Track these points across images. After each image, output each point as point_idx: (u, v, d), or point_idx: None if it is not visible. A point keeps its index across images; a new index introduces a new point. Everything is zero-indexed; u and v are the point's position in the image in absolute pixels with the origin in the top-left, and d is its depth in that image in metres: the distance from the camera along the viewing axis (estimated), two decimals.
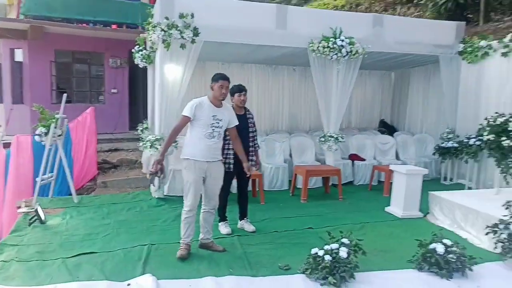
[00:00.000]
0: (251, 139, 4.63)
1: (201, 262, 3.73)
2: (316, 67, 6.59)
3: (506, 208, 3.87)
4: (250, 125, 4.64)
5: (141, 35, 7.04)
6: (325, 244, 3.53)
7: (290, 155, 7.31)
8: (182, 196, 5.83)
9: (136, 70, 10.80)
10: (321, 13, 6.65)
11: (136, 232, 4.53)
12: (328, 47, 6.34)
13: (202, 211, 3.99)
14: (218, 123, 3.82)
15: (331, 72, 6.64)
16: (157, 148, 5.89)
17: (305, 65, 8.27)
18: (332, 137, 6.69)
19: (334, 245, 3.50)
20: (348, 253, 3.42)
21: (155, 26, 5.76)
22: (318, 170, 6.39)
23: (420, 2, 10.72)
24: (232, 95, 4.54)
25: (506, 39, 6.52)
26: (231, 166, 4.46)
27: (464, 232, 4.59)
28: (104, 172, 7.53)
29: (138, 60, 7.06)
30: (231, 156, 4.45)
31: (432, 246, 3.63)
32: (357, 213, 5.45)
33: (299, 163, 6.89)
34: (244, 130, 4.55)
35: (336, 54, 6.42)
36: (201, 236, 4.05)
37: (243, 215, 4.80)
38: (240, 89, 4.51)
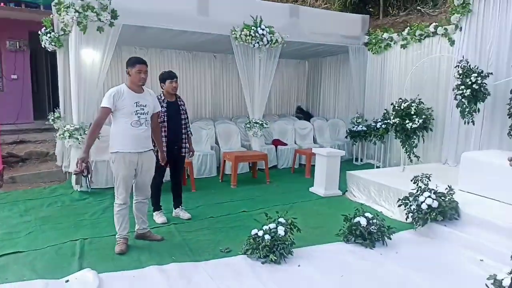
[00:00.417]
0: (183, 126, 4.60)
1: (141, 253, 3.66)
2: (239, 55, 6.72)
3: (414, 183, 4.45)
4: (182, 112, 4.61)
5: (51, 16, 6.43)
6: (263, 225, 3.73)
7: (216, 142, 7.39)
8: (106, 188, 5.73)
9: (39, 54, 9.85)
10: (242, 1, 6.76)
11: (64, 228, 4.26)
12: (250, 35, 6.50)
13: (134, 202, 3.87)
14: (143, 109, 3.62)
15: (253, 59, 6.83)
16: (78, 139, 5.53)
17: (226, 52, 8.40)
18: (258, 123, 6.93)
19: (272, 225, 3.71)
20: (285, 231, 3.67)
21: (68, 7, 5.33)
22: (246, 155, 6.58)
23: None
24: (163, 81, 4.46)
25: (404, 33, 7.33)
26: (164, 154, 4.41)
27: (379, 206, 5.16)
28: (10, 166, 6.80)
29: (46, 43, 6.48)
30: (164, 144, 4.40)
31: (356, 219, 4.05)
32: (285, 195, 5.78)
33: (226, 150, 7.01)
34: (176, 118, 4.53)
35: (257, 42, 6.61)
36: (136, 227, 3.96)
37: (177, 203, 4.78)
38: (171, 75, 4.44)
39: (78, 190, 5.62)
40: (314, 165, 6.40)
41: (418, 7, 9.41)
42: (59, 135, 5.83)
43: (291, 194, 5.80)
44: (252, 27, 6.50)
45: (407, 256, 3.70)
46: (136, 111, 3.58)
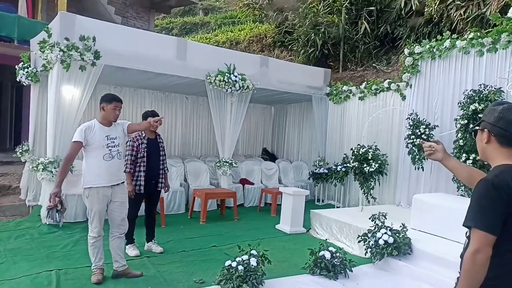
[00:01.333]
0: (161, 162, 4.87)
1: (118, 283, 3.79)
2: (212, 98, 7.17)
3: (372, 220, 4.91)
4: (161, 149, 4.89)
5: (29, 52, 6.63)
6: (236, 257, 3.99)
7: (185, 180, 7.61)
8: (75, 222, 5.74)
9: (4, 87, 9.84)
10: (217, 50, 7.33)
11: (36, 259, 4.28)
12: (223, 81, 6.99)
13: (111, 238, 3.86)
14: (113, 141, 3.71)
15: (225, 103, 7.29)
16: (51, 172, 5.59)
17: (198, 94, 8.85)
18: (227, 162, 7.27)
19: (245, 256, 3.98)
20: (257, 262, 3.94)
21: (53, 46, 5.60)
22: (216, 193, 6.85)
23: (293, 48, 12.36)
24: (145, 119, 4.75)
25: (362, 86, 8.14)
26: (142, 188, 4.63)
27: (340, 243, 5.55)
28: None
29: (22, 78, 6.66)
30: (142, 178, 4.63)
31: (321, 253, 4.40)
32: (252, 231, 6.06)
33: (195, 187, 7.23)
34: (155, 154, 4.80)
35: (230, 87, 7.10)
36: (115, 265, 3.91)
37: (150, 237, 4.92)
38: (154, 114, 4.75)
39: (47, 223, 5.59)
40: (279, 204, 6.78)
41: (374, 64, 10.42)
42: (32, 167, 5.86)
43: (259, 231, 6.09)
44: (226, 74, 7.01)
45: (367, 287, 4.07)
46: (107, 144, 3.67)
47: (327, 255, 4.35)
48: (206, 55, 7.08)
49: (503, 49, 5.72)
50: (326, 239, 5.62)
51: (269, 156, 10.43)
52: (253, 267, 3.85)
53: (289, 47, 12.89)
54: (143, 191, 4.63)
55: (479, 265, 1.57)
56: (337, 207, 7.96)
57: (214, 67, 7.06)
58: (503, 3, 7.56)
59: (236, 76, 7.12)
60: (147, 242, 4.91)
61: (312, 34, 10.98)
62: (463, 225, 1.68)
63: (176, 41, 6.90)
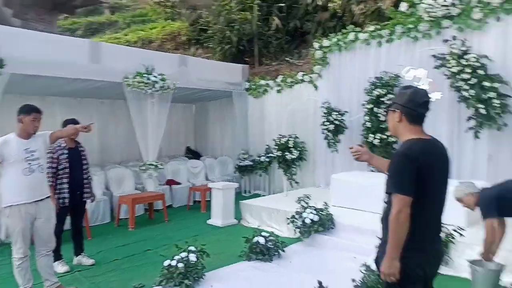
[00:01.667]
0: (85, 172, 4.70)
1: None
2: (132, 101, 7.02)
3: (298, 203, 5.30)
4: (83, 157, 4.72)
5: None
6: (174, 255, 4.06)
7: (107, 188, 7.34)
8: None
9: None
10: (133, 51, 7.17)
11: None
12: (143, 82, 6.88)
13: (39, 256, 3.64)
14: (33, 154, 3.50)
15: (146, 104, 7.18)
16: None
17: (114, 98, 8.54)
18: (152, 165, 7.18)
19: (183, 254, 4.07)
20: (197, 257, 4.06)
21: None
22: (143, 197, 6.75)
23: (210, 45, 12.47)
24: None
25: (278, 80, 8.57)
26: (66, 200, 4.46)
27: (270, 228, 5.87)
28: None
29: None
30: (65, 190, 4.45)
31: (255, 239, 4.66)
32: (185, 230, 6.12)
33: (119, 194, 7.02)
34: (77, 164, 4.62)
35: (150, 88, 7.01)
36: (46, 284, 3.69)
37: (79, 250, 4.73)
38: (74, 122, 4.56)
39: None
40: (208, 200, 6.92)
41: (287, 58, 10.98)
42: None
43: (191, 228, 6.18)
44: (145, 75, 6.91)
45: (299, 263, 4.45)
46: (26, 157, 3.46)
47: (261, 240, 4.63)
48: (122, 57, 6.90)
49: (398, 39, 6.46)
50: (258, 226, 5.92)
51: (193, 154, 10.46)
52: (193, 262, 3.97)
53: (205, 44, 12.97)
54: (68, 204, 4.45)
55: (402, 223, 1.93)
56: (263, 195, 8.32)
57: (131, 69, 6.89)
58: None
59: (155, 77, 7.05)
60: (76, 256, 4.71)
61: (227, 31, 11.20)
62: (385, 192, 2.03)
63: (89, 44, 6.62)
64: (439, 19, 5.85)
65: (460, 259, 3.93)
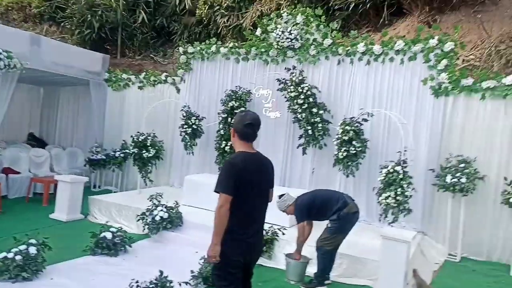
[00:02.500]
0: None
1: None
2: None
3: (150, 200, 5.56)
4: None
5: None
6: (11, 248, 3.90)
7: None
8: None
9: None
10: None
11: None
12: None
13: None
14: None
15: None
16: None
17: None
18: None
19: (23, 246, 3.95)
20: (38, 250, 3.98)
21: None
22: None
23: (66, 26, 11.54)
24: None
25: (141, 76, 8.61)
26: None
27: (119, 224, 5.93)
28: None
29: None
30: None
31: (102, 235, 4.75)
32: (24, 222, 5.74)
33: None
34: None
35: None
36: None
37: None
38: None
39: None
40: (51, 193, 6.58)
41: (151, 55, 10.98)
42: None
43: (31, 221, 5.82)
44: None
45: (145, 257, 4.72)
46: None
47: (109, 235, 4.75)
48: None
49: (253, 59, 7.30)
50: (106, 222, 5.94)
51: (37, 141, 9.59)
52: (32, 255, 3.88)
53: (61, 24, 11.96)
54: None
55: (222, 215, 2.51)
56: (115, 191, 8.24)
57: None
58: (254, 19, 9.40)
59: (0, 53, 6.36)
60: None
61: (89, 15, 10.61)
62: (214, 191, 2.56)
63: None
64: (285, 49, 6.88)
65: (281, 254, 4.75)
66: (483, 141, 5.56)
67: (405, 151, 5.15)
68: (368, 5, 8.45)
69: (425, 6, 8.01)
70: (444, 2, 8.01)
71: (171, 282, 3.63)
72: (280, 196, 4.30)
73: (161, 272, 3.66)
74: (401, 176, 4.95)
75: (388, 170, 5.03)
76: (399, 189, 4.93)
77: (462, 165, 5.37)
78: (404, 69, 6.05)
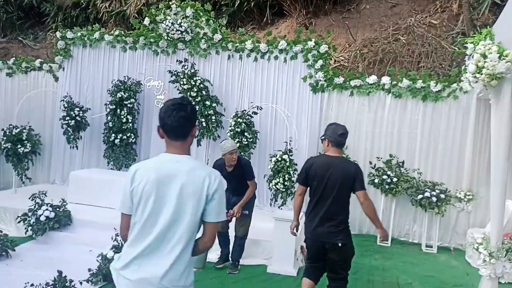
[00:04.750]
0: None
1: None
2: None
3: (32, 200, 5.09)
4: None
5: None
6: None
7: None
8: None
9: None
10: None
11: None
12: None
13: None
14: None
15: None
16: None
17: None
18: None
19: None
20: None
21: None
22: None
23: None
24: None
25: (10, 62, 7.65)
26: None
27: None
28: None
29: None
30: None
31: None
32: None
33: None
34: None
35: None
36: None
37: None
38: None
39: None
40: None
41: (19, 37, 9.78)
42: None
43: None
44: None
45: (32, 261, 4.38)
46: None
47: None
48: None
49: (141, 49, 7.12)
50: None
51: None
52: None
53: None
54: None
55: (296, 199, 3.49)
56: None
57: None
58: (139, 7, 9.10)
59: None
60: None
61: None
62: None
63: None
64: (175, 40, 6.90)
65: None
66: (352, 131, 6.46)
67: (290, 141, 5.72)
68: (252, 4, 8.95)
69: (302, 9, 8.84)
70: (318, 7, 8.95)
71: (72, 281, 3.49)
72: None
73: (60, 272, 3.50)
74: (288, 164, 5.50)
75: (277, 159, 5.53)
76: (286, 175, 5.47)
77: None
78: (288, 67, 6.65)
